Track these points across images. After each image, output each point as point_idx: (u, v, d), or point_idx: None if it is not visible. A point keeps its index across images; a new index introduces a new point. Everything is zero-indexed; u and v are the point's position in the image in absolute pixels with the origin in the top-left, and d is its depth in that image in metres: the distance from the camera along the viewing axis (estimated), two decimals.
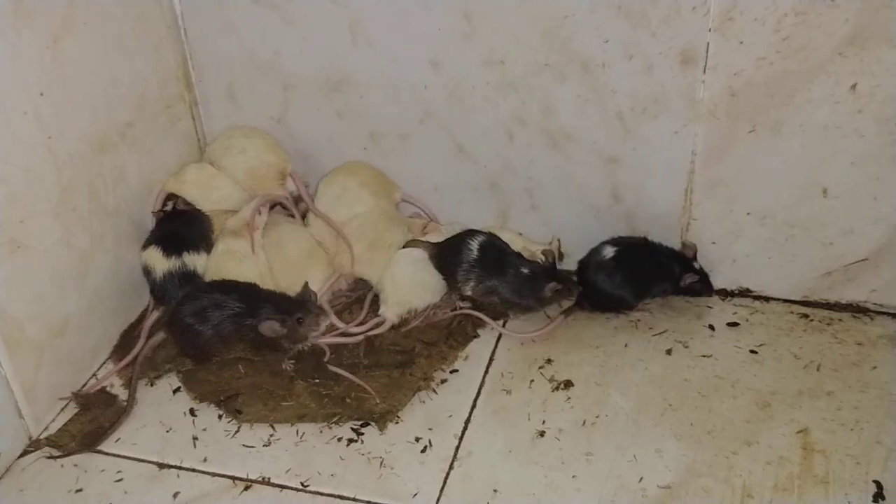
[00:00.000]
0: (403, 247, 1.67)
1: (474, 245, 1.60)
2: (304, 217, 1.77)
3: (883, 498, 1.26)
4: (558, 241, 1.71)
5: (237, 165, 1.73)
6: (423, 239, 1.69)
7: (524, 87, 1.59)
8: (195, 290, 1.53)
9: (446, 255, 1.62)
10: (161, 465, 1.38)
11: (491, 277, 1.59)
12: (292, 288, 1.57)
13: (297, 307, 1.48)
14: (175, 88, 1.73)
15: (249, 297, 1.48)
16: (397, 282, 1.63)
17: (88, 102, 1.50)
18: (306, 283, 1.55)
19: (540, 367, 1.54)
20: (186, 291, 1.54)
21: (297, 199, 1.78)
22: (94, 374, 1.55)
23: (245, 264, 1.60)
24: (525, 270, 1.58)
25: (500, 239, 1.62)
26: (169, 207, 1.67)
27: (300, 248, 1.67)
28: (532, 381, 1.51)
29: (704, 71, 1.48)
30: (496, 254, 1.60)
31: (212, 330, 1.47)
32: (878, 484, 1.28)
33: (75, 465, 1.38)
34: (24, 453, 1.41)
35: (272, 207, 1.75)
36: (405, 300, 1.62)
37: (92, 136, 1.51)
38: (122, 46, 1.58)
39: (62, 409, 1.48)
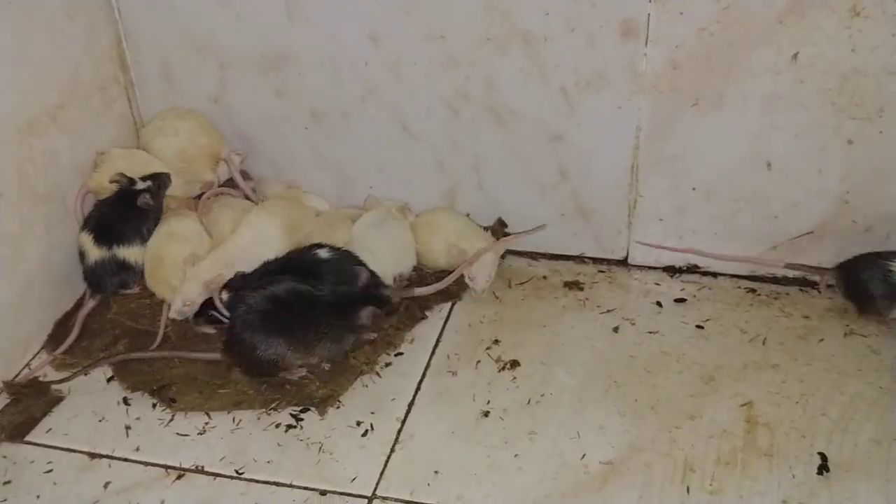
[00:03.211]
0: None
1: None
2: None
3: (827, 470, 1.25)
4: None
5: (168, 147, 1.69)
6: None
7: (466, 62, 1.57)
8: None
9: None
10: (92, 455, 1.34)
11: None
12: None
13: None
14: (109, 69, 1.69)
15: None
16: (378, 255, 1.59)
17: (15, 84, 1.46)
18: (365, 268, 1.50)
19: (487, 348, 1.52)
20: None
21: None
22: (27, 365, 1.50)
23: (186, 247, 1.57)
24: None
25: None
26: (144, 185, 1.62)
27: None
28: (479, 361, 1.49)
29: (646, 43, 1.46)
30: None
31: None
32: (822, 456, 1.27)
33: (4, 457, 1.34)
34: None
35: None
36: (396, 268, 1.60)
37: (20, 119, 1.47)
38: (53, 27, 1.53)
39: None
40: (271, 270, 1.50)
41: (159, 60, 1.72)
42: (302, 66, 1.65)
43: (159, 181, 1.63)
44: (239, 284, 1.49)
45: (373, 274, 1.51)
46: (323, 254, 1.52)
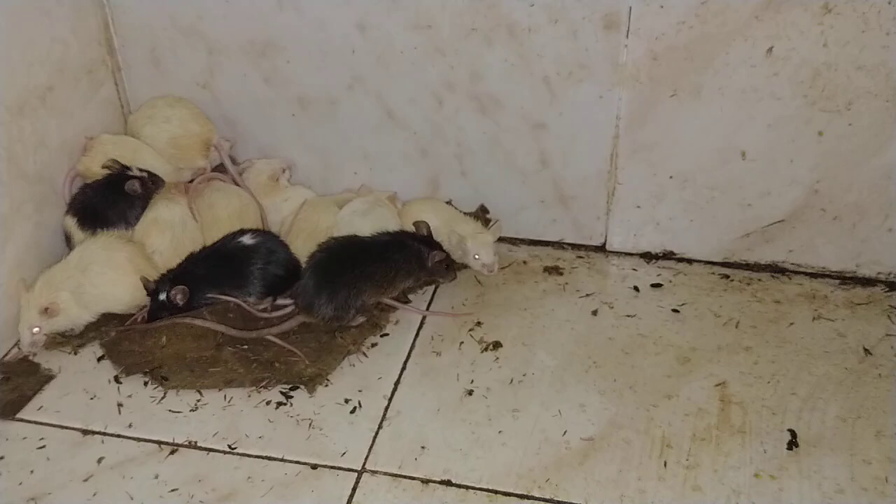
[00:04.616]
0: None
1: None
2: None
3: (797, 445, 1.31)
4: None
5: (160, 135, 1.71)
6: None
7: (452, 52, 1.60)
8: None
9: None
10: (85, 432, 1.36)
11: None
12: None
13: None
14: (97, 53, 1.70)
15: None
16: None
17: (4, 64, 1.46)
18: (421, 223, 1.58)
19: (470, 330, 1.55)
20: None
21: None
22: (15, 344, 1.51)
23: (167, 235, 1.58)
24: None
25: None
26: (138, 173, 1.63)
27: (230, 209, 1.66)
28: (462, 342, 1.53)
29: (627, 35, 1.50)
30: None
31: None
32: (792, 432, 1.33)
33: None
34: None
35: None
36: None
37: (9, 99, 1.48)
38: (41, 7, 1.54)
39: None
40: (196, 259, 1.53)
41: (147, 45, 1.73)
42: (290, 54, 1.68)
43: (154, 179, 1.65)
44: (173, 276, 1.51)
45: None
46: (247, 240, 1.55)
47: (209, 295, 1.52)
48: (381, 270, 1.51)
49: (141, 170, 1.63)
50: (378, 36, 1.62)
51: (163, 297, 1.48)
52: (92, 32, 1.68)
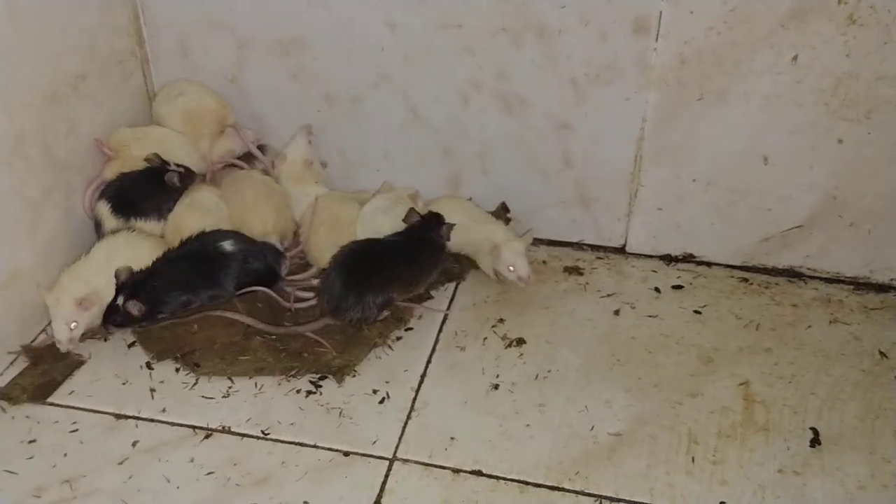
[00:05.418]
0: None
1: None
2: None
3: (819, 443, 1.34)
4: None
5: (175, 110, 1.72)
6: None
7: (480, 52, 1.62)
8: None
9: None
10: (118, 416, 1.37)
11: None
12: (252, 228, 1.62)
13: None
14: (126, 44, 1.71)
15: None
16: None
17: (39, 52, 1.48)
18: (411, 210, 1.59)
19: (493, 326, 1.57)
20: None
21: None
22: (44, 329, 1.52)
23: (207, 217, 1.60)
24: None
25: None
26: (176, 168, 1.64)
27: (257, 191, 1.68)
28: (485, 338, 1.55)
29: (657, 39, 1.53)
30: None
31: None
32: (814, 430, 1.36)
33: (27, 417, 1.37)
34: None
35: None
36: None
37: (44, 87, 1.49)
38: None
39: (11, 363, 1.46)
40: (171, 258, 1.51)
41: (176, 37, 1.74)
42: (317, 51, 1.70)
43: (189, 173, 1.66)
44: (139, 279, 1.47)
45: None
46: (227, 246, 1.53)
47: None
48: (406, 271, 1.54)
49: (178, 164, 1.64)
50: (407, 34, 1.64)
51: (119, 301, 1.44)
52: (122, 23, 1.69)
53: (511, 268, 1.59)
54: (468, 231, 1.64)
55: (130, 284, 1.45)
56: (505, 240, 1.61)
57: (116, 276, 1.45)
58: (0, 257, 1.43)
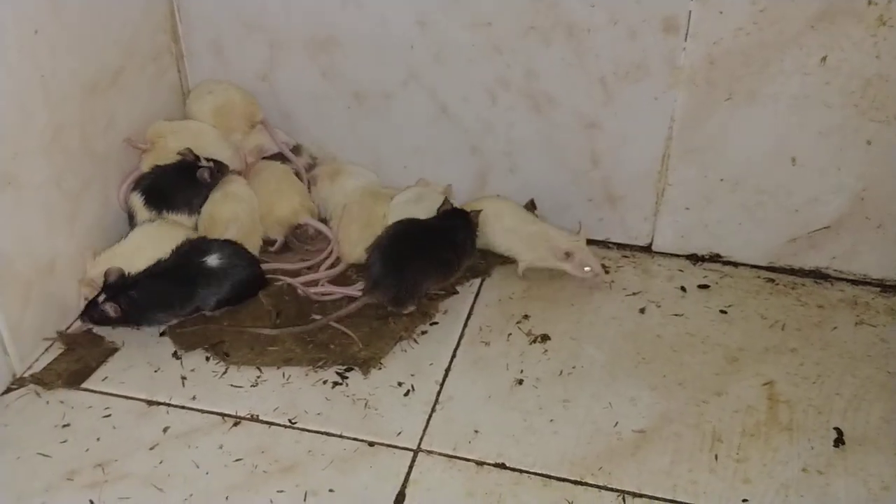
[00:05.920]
0: None
1: None
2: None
3: (843, 443, 1.34)
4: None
5: (205, 107, 1.76)
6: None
7: (509, 50, 1.64)
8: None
9: None
10: (150, 403, 1.40)
11: None
12: (276, 215, 1.70)
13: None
14: (162, 40, 1.74)
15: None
16: None
17: (81, 44, 1.50)
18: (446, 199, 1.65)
19: (517, 322, 1.59)
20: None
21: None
22: (78, 316, 1.55)
23: (241, 205, 1.65)
24: None
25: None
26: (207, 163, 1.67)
27: (278, 178, 1.73)
28: (510, 334, 1.56)
29: (686, 38, 1.54)
30: None
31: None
32: (838, 430, 1.36)
33: (61, 402, 1.40)
34: (8, 390, 1.42)
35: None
36: None
37: (84, 78, 1.52)
38: None
39: (47, 349, 1.49)
40: (154, 273, 1.50)
41: (210, 35, 1.77)
42: (348, 49, 1.72)
43: (220, 167, 1.69)
44: (126, 283, 1.47)
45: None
46: (211, 261, 1.52)
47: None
48: (447, 256, 1.59)
49: (208, 159, 1.68)
50: (437, 32, 1.66)
51: (101, 298, 1.45)
52: (159, 20, 1.72)
53: (587, 268, 1.64)
54: (517, 233, 1.68)
55: (115, 287, 1.46)
56: (573, 244, 1.65)
57: (106, 276, 1.47)
58: (39, 246, 1.46)
